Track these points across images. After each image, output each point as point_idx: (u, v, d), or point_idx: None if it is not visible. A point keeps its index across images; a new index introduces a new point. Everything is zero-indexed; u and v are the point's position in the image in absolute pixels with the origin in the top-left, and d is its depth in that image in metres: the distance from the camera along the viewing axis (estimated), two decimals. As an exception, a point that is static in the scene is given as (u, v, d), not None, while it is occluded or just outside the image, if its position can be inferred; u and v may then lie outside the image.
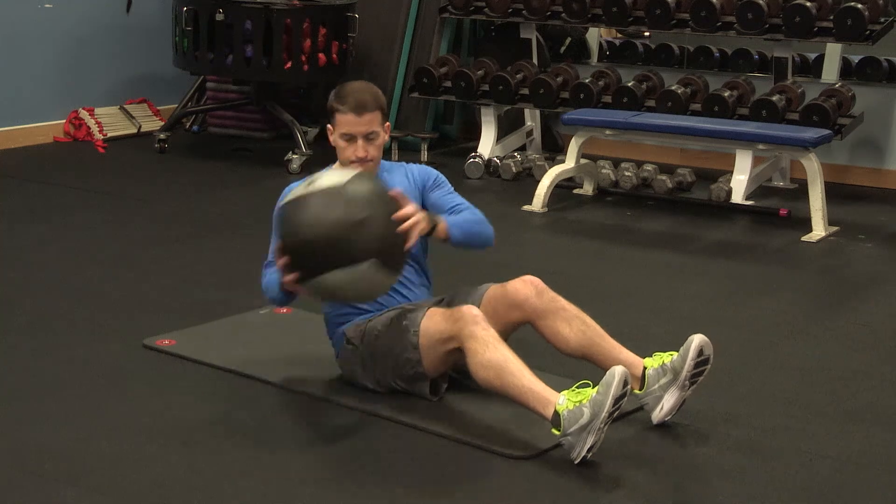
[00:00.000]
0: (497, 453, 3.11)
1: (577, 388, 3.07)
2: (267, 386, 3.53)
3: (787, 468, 3.13)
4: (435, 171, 3.64)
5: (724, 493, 2.99)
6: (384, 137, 3.51)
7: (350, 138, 3.44)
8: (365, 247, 3.05)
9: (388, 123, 3.55)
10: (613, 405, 2.99)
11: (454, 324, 3.24)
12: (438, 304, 3.51)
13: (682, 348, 3.28)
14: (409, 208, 3.19)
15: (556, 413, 3.02)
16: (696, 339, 3.27)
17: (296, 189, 3.23)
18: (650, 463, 3.13)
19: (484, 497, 2.94)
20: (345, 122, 3.44)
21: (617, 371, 3.01)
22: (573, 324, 3.40)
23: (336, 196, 3.09)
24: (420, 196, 3.54)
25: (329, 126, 3.52)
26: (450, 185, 3.62)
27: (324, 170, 3.37)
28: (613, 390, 2.98)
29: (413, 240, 3.18)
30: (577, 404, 3.00)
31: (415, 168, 3.63)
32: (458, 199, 3.58)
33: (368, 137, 3.44)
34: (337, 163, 3.53)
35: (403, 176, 3.57)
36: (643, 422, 3.31)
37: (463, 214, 3.51)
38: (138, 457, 3.07)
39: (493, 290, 3.49)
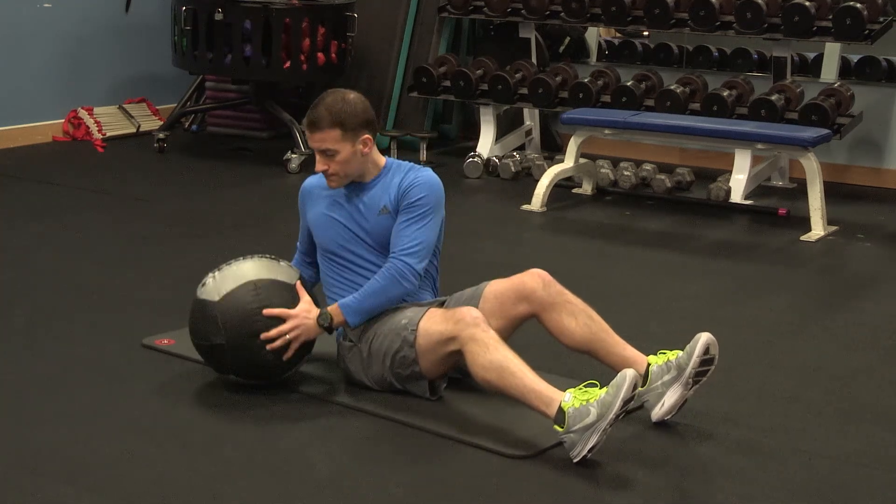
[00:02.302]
0: (497, 453, 3.11)
1: (584, 387, 3.07)
2: (265, 386, 3.53)
3: (787, 468, 3.14)
4: (417, 192, 3.46)
5: (723, 493, 3.00)
6: (353, 151, 3.44)
7: (314, 151, 3.49)
8: (223, 366, 3.46)
9: (366, 136, 3.46)
10: (621, 407, 2.99)
11: (454, 325, 3.24)
12: (440, 305, 3.51)
13: (688, 345, 3.29)
14: (282, 327, 3.37)
15: (561, 410, 3.02)
16: (704, 337, 3.28)
17: (202, 287, 3.45)
18: (650, 462, 3.13)
19: (484, 497, 2.94)
20: (307, 135, 3.50)
21: (628, 374, 3.02)
22: (579, 318, 3.40)
23: (207, 313, 3.41)
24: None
25: None
26: (418, 212, 3.45)
27: (240, 260, 3.51)
28: (623, 392, 2.98)
29: (290, 352, 3.39)
30: (584, 403, 3.00)
31: (409, 178, 3.50)
32: (404, 239, 3.43)
33: (326, 153, 3.45)
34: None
35: (396, 187, 3.49)
36: (643, 421, 3.31)
37: (370, 283, 3.43)
38: (138, 457, 3.07)
39: (496, 284, 3.50)
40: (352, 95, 3.50)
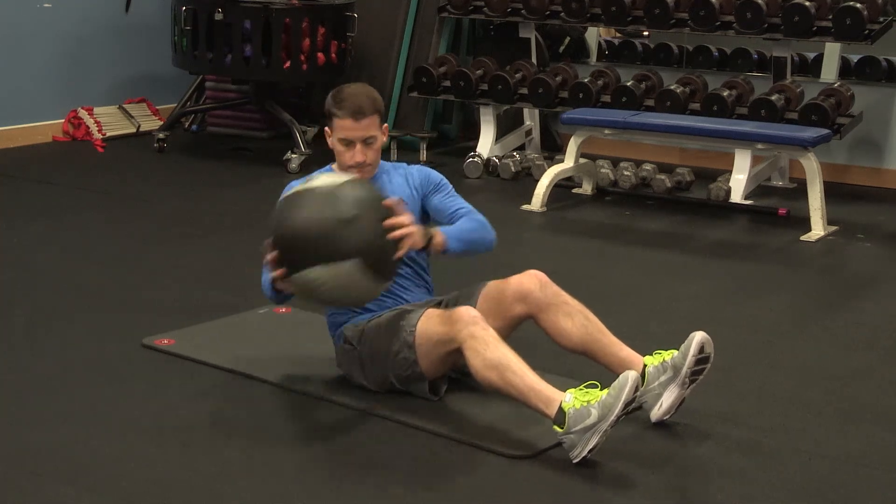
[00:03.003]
0: (497, 453, 3.11)
1: (585, 388, 3.07)
2: (266, 386, 3.53)
3: (786, 468, 3.14)
4: (436, 174, 3.61)
5: (723, 493, 2.99)
6: (382, 140, 3.51)
7: (348, 143, 3.45)
8: (348, 246, 3.07)
9: (385, 125, 3.54)
10: (623, 409, 2.99)
11: (452, 325, 3.24)
12: (437, 305, 3.51)
13: (682, 345, 3.28)
14: (403, 218, 3.21)
15: (561, 410, 3.02)
16: (698, 336, 3.27)
17: (294, 187, 3.28)
18: (649, 462, 3.13)
19: (484, 497, 2.94)
20: (343, 127, 3.44)
21: (630, 376, 3.01)
22: (575, 318, 3.40)
23: (328, 195, 3.14)
24: (420, 201, 3.55)
25: (327, 129, 3.53)
26: (451, 187, 3.61)
27: (322, 170, 3.42)
28: (625, 394, 2.98)
29: (403, 250, 3.20)
30: (585, 404, 3.00)
31: (415, 171, 3.61)
32: (458, 202, 3.56)
33: (367, 142, 3.45)
34: (335, 165, 3.54)
35: (403, 179, 3.56)
36: (642, 421, 3.31)
37: (461, 222, 3.48)
38: (138, 457, 3.07)
39: (493, 285, 3.50)
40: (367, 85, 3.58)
